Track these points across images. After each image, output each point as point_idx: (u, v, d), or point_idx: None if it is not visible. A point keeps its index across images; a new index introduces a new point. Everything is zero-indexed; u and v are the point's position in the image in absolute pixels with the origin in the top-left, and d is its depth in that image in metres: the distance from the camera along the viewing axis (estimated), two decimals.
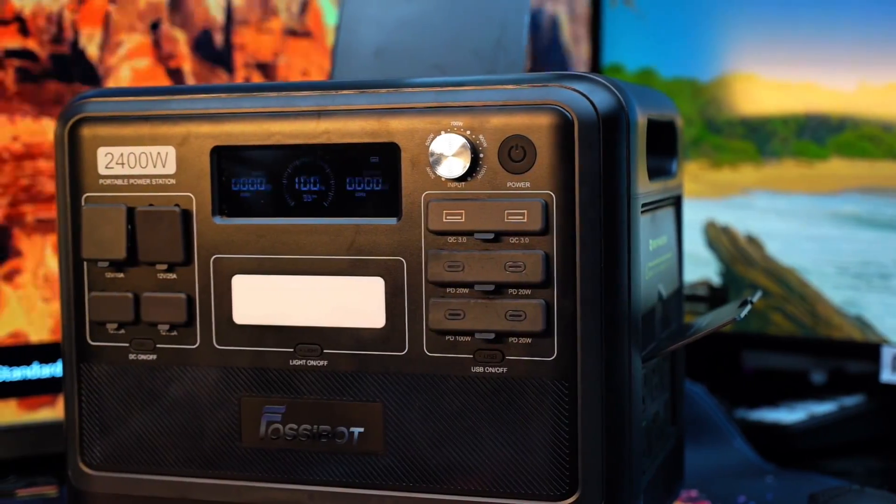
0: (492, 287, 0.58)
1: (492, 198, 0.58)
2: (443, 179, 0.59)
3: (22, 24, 0.79)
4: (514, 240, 0.58)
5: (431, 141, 0.59)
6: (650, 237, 0.65)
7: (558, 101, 0.57)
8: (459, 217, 0.58)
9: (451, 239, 0.59)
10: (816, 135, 0.93)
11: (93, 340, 0.65)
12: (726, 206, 0.98)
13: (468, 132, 0.58)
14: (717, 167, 0.98)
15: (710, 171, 0.99)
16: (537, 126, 0.57)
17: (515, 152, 0.58)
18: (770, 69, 0.96)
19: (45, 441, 0.83)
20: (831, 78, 0.93)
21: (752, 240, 0.96)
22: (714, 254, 0.99)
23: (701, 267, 1.00)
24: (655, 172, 0.68)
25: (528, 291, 0.58)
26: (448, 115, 0.59)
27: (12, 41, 0.79)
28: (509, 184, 0.58)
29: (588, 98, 0.57)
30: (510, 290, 0.58)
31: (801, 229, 0.95)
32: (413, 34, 0.80)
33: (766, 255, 0.96)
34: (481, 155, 0.58)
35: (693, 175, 1.00)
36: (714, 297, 0.98)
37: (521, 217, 0.57)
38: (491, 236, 0.58)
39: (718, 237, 0.98)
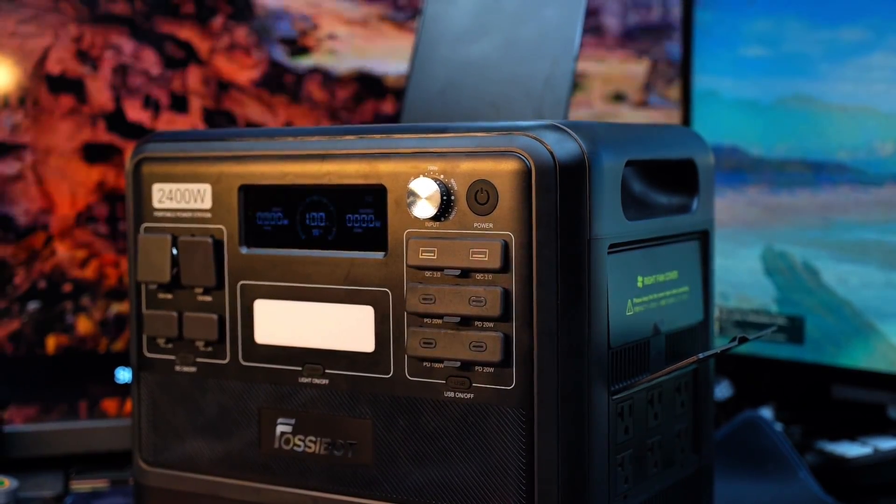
0: (458, 319, 0.63)
1: (460, 237, 0.63)
2: (421, 219, 0.64)
3: None
4: (478, 276, 0.62)
5: (411, 183, 0.64)
6: (639, 273, 0.67)
7: (519, 148, 0.61)
8: (433, 254, 0.63)
9: (427, 273, 0.64)
10: (874, 160, 0.92)
11: (148, 352, 0.75)
12: (784, 233, 0.98)
13: (441, 176, 0.63)
14: (774, 192, 0.98)
15: (767, 196, 0.98)
16: (499, 172, 0.62)
17: (481, 195, 0.62)
18: (830, 92, 0.94)
19: None
20: (891, 102, 0.91)
21: (808, 267, 0.95)
22: (771, 281, 0.98)
23: (758, 294, 1.00)
24: (660, 210, 0.71)
25: (491, 324, 0.62)
26: (426, 160, 0.64)
27: None
28: (476, 224, 0.62)
29: (547, 146, 0.61)
30: (475, 323, 0.63)
31: (859, 258, 0.93)
32: (475, 74, 0.84)
33: (822, 284, 0.95)
34: (453, 197, 0.63)
35: (751, 200, 0.99)
36: (792, 325, 0.97)
37: (483, 255, 0.62)
38: (458, 272, 0.63)
39: (775, 264, 0.98)
